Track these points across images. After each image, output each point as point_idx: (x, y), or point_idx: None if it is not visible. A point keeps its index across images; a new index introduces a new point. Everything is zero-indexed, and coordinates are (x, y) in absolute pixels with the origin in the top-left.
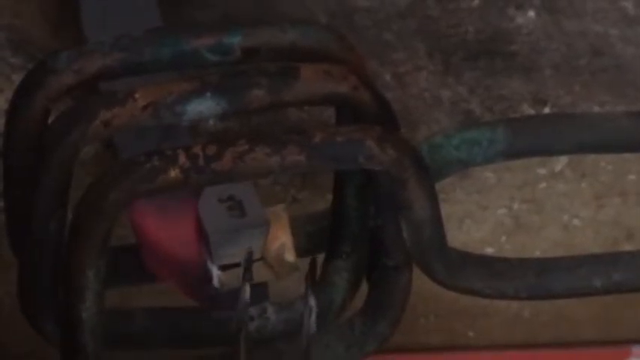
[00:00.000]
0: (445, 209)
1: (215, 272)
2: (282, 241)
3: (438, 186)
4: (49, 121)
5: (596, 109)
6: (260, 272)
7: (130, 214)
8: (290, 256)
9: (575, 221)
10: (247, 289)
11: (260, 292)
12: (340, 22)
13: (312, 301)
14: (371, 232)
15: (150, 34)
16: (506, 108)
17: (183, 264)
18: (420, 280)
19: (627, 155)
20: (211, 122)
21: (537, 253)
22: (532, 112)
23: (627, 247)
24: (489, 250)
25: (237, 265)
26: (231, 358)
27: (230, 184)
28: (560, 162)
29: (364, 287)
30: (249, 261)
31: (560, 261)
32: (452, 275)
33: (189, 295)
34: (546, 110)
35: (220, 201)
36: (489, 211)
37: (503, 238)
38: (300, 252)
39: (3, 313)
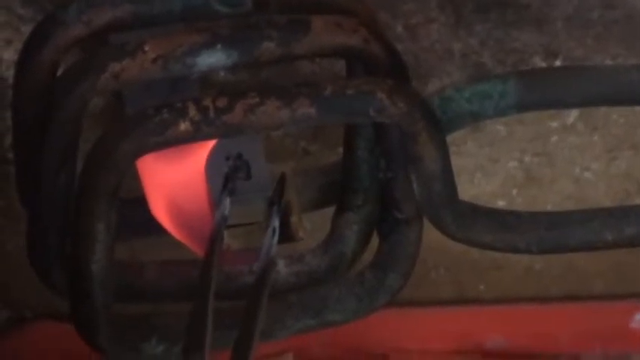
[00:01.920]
0: (456, 162)
1: None
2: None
3: (449, 139)
4: (58, 73)
5: (608, 61)
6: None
7: (139, 163)
8: (295, 225)
9: (587, 174)
10: (227, 203)
11: None
12: None
13: (276, 222)
14: (381, 185)
15: None
16: (517, 60)
17: (191, 217)
18: (430, 233)
19: (639, 108)
20: (222, 74)
21: (548, 207)
22: (544, 64)
23: (639, 200)
24: (500, 204)
25: (242, 225)
26: (242, 310)
27: (240, 142)
28: (572, 115)
29: (375, 240)
30: (233, 172)
31: (572, 214)
32: (462, 228)
33: (199, 250)
34: (558, 63)
35: (227, 160)
36: (500, 164)
37: (515, 191)
38: (311, 205)
39: (12, 266)
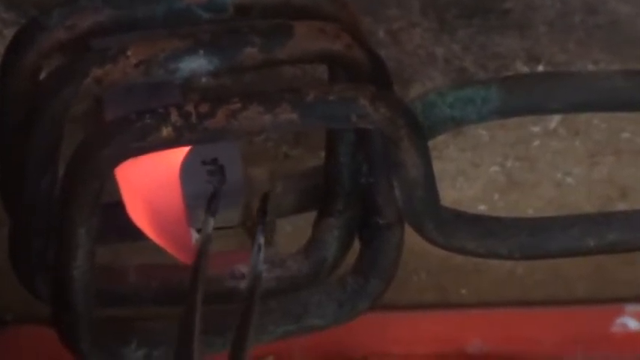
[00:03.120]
0: (438, 166)
1: (194, 235)
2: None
3: (430, 143)
4: (41, 77)
5: (591, 67)
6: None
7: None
8: None
9: (569, 179)
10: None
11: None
12: None
13: (261, 239)
14: (363, 191)
15: None
16: (500, 65)
17: (168, 221)
18: (412, 237)
19: (621, 113)
20: (204, 80)
21: (530, 211)
22: (526, 69)
23: (621, 205)
24: (482, 208)
25: (215, 229)
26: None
27: (216, 146)
28: (554, 120)
29: (356, 245)
30: (216, 195)
31: (554, 221)
32: (444, 234)
33: (176, 253)
34: (540, 68)
35: (203, 164)
36: (482, 169)
37: (496, 195)
38: (292, 209)
39: None
